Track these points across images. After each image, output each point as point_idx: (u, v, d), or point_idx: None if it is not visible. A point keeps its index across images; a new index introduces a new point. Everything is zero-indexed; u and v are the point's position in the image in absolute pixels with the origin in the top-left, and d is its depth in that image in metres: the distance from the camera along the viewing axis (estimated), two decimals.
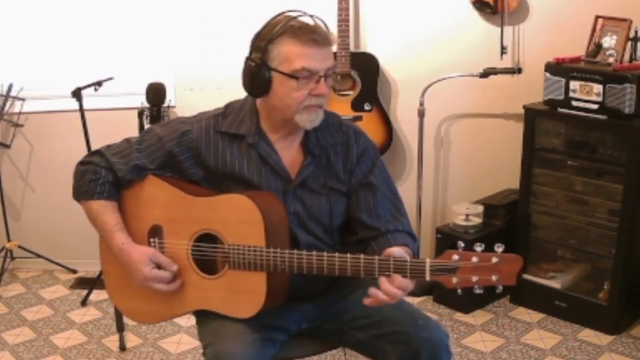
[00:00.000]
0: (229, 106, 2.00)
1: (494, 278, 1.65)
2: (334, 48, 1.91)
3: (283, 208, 1.89)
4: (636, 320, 3.20)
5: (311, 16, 1.87)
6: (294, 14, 1.85)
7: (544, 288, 3.29)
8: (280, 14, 1.87)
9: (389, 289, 1.72)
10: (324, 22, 1.88)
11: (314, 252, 1.78)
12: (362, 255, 1.74)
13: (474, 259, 1.65)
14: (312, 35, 1.80)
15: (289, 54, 1.81)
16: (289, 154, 1.95)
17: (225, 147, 1.94)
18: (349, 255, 1.75)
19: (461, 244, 1.69)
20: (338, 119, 2.03)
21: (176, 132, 1.95)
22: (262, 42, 1.84)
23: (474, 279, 1.65)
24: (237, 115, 1.96)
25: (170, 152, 1.94)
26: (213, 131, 1.95)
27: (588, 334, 3.12)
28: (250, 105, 1.95)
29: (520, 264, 1.65)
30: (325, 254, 1.78)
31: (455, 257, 1.67)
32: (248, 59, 1.87)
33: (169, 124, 2.01)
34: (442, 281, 1.68)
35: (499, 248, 1.65)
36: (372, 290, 1.73)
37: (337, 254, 1.76)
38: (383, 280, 1.73)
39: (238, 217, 1.85)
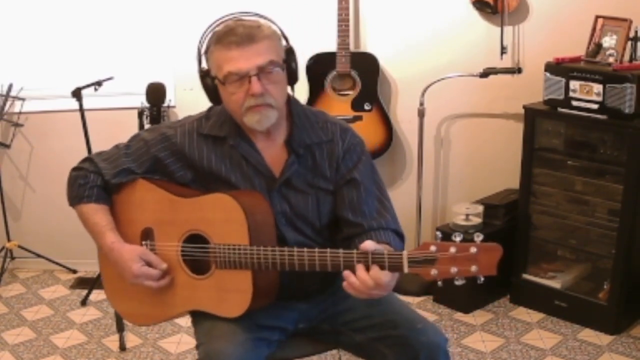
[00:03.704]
0: (211, 109, 2.01)
1: (473, 268, 1.61)
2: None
3: (268, 206, 1.89)
4: (636, 320, 3.20)
5: (255, 15, 1.90)
6: (228, 18, 1.89)
7: (544, 288, 3.28)
8: (214, 22, 1.90)
9: (364, 277, 1.67)
10: (261, 16, 1.90)
11: (295, 248, 1.77)
12: (341, 250, 1.73)
13: (452, 250, 1.62)
14: (230, 37, 1.82)
15: (218, 61, 1.84)
16: (272, 152, 1.95)
17: (210, 150, 1.95)
18: (328, 250, 1.74)
19: (439, 234, 1.66)
20: (324, 116, 2.01)
21: (160, 137, 1.98)
22: (201, 53, 1.89)
23: (453, 270, 1.62)
24: (219, 117, 1.97)
25: (156, 157, 1.97)
26: (196, 134, 1.97)
27: (588, 334, 3.12)
28: None
29: (500, 253, 1.61)
30: (305, 249, 1.76)
31: (433, 248, 1.63)
32: (198, 70, 1.92)
33: (154, 129, 2.04)
34: (421, 273, 1.65)
35: (478, 237, 1.62)
36: (346, 273, 1.69)
37: (317, 249, 1.75)
38: (359, 267, 1.69)
39: (222, 217, 1.85)
